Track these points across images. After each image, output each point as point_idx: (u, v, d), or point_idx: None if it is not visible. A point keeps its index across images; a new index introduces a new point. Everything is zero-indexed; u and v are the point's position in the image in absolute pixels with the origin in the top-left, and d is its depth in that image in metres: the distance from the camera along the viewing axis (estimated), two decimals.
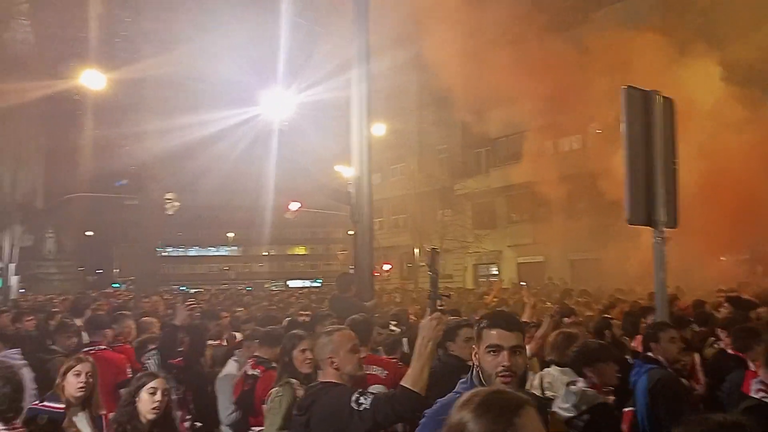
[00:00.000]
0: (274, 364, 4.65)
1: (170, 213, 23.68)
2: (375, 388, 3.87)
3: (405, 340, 7.03)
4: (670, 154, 4.96)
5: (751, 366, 4.84)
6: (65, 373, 3.98)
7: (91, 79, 17.61)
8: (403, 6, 18.26)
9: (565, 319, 7.03)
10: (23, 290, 24.87)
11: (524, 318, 7.14)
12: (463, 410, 1.66)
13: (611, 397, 4.72)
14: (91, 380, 3.97)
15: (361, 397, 2.97)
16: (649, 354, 4.51)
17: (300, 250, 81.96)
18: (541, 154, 26.56)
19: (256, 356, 5.03)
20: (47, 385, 5.67)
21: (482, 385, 2.51)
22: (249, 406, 4.72)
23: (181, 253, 78.33)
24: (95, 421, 3.96)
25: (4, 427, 3.23)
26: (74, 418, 3.89)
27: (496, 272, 31.31)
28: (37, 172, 47.75)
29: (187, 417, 5.17)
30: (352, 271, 9.05)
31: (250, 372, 4.87)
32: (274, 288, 44.21)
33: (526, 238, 28.99)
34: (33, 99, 23.87)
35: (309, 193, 24.68)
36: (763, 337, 4.98)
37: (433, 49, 19.91)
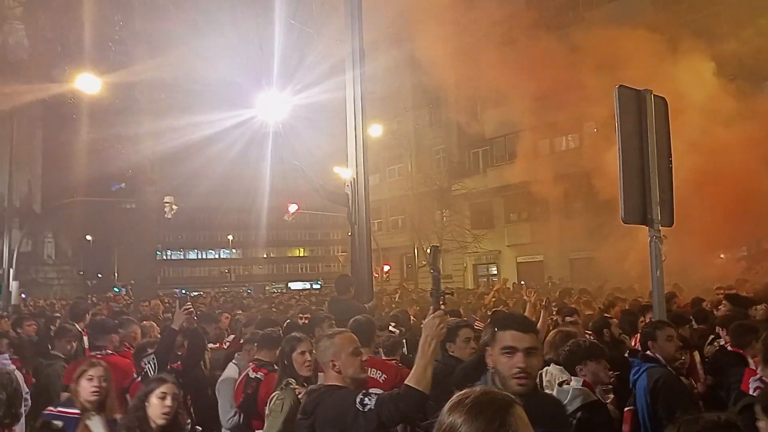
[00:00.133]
0: (276, 367, 4.65)
1: (169, 216, 23.65)
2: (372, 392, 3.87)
3: (404, 341, 7.04)
4: (664, 153, 4.97)
5: (751, 363, 4.85)
6: (78, 378, 3.96)
7: (86, 83, 17.59)
8: (396, 6, 18.28)
9: (567, 318, 7.05)
10: (24, 295, 24.81)
11: None
12: (454, 413, 1.66)
13: (611, 396, 4.74)
14: (104, 384, 3.96)
15: (366, 398, 2.96)
16: (648, 353, 4.52)
17: (300, 252, 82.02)
18: (537, 153, 26.59)
19: (257, 359, 5.03)
20: (48, 390, 5.71)
21: (497, 386, 2.52)
22: (252, 409, 4.70)
23: (180, 257, 78.36)
24: (110, 424, 3.95)
25: None
26: (89, 423, 3.89)
27: (496, 272, 31.36)
28: (34, 176, 47.80)
29: (187, 421, 5.16)
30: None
31: (253, 375, 4.86)
32: (274, 290, 44.30)
33: (525, 238, 29.02)
34: (28, 102, 23.85)
35: (307, 195, 24.68)
36: (761, 332, 4.98)
37: (427, 50, 19.92)
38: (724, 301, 7.72)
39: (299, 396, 3.93)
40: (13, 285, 19.40)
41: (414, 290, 23.46)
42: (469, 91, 24.93)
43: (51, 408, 4.09)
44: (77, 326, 7.40)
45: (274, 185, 24.83)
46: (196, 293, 32.34)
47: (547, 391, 4.35)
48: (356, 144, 8.05)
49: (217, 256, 78.26)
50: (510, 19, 20.13)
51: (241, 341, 6.97)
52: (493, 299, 12.13)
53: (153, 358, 4.95)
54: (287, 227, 60.26)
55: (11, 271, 19.59)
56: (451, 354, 4.82)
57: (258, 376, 4.83)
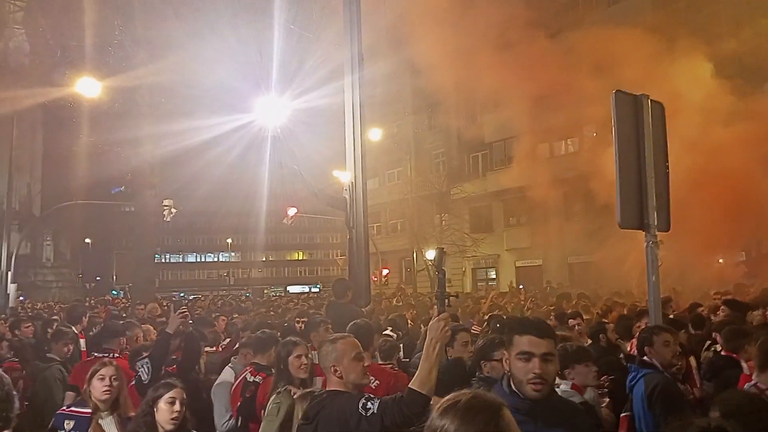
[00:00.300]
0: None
1: (167, 219, 23.67)
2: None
3: (401, 345, 7.04)
4: (660, 158, 4.97)
5: (745, 368, 4.85)
6: (91, 378, 3.99)
7: (87, 87, 17.61)
8: (395, 10, 18.32)
9: (571, 321, 7.10)
10: (21, 298, 24.81)
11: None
12: (445, 417, 1.68)
13: (606, 400, 4.73)
14: (116, 383, 3.99)
15: (368, 402, 2.94)
16: (645, 358, 4.49)
17: (299, 256, 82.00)
18: (537, 157, 26.61)
19: (254, 363, 5.02)
20: (45, 393, 5.71)
21: (513, 391, 2.52)
22: (250, 412, 4.70)
23: (179, 260, 78.34)
24: (124, 423, 3.96)
25: None
26: (101, 422, 3.91)
27: (495, 276, 31.36)
28: (34, 179, 47.80)
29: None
30: None
31: (251, 379, 4.86)
32: (273, 294, 44.27)
33: (524, 242, 29.03)
34: (28, 106, 23.89)
35: (306, 199, 24.69)
36: (753, 336, 4.99)
37: (426, 54, 19.93)
38: (722, 307, 7.72)
39: (294, 396, 3.93)
40: (11, 287, 19.39)
41: (413, 294, 23.47)
42: (468, 94, 25.01)
43: (64, 408, 4.14)
44: (74, 329, 7.41)
45: (273, 189, 24.88)
46: (194, 296, 32.40)
47: None
48: (354, 148, 8.08)
49: (215, 260, 78.22)
50: (509, 23, 20.15)
51: (236, 346, 6.98)
52: (490, 304, 12.13)
53: (147, 362, 4.94)
54: (286, 231, 60.32)
55: (9, 273, 19.58)
56: (449, 357, 4.82)
57: (256, 379, 4.83)
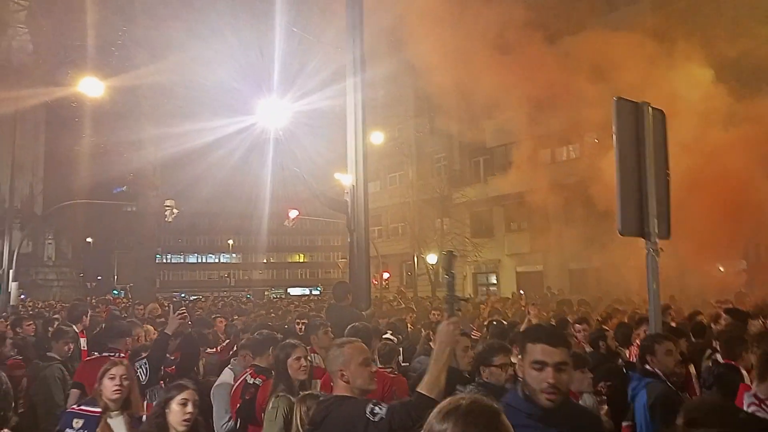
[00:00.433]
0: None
1: (169, 220, 23.70)
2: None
3: (401, 349, 7.03)
4: (661, 165, 4.96)
5: (745, 375, 4.84)
6: (101, 377, 4.00)
7: (89, 87, 17.64)
8: (397, 13, 18.33)
9: (577, 325, 7.15)
10: (23, 296, 24.85)
11: (522, 329, 7.17)
12: (447, 421, 1.69)
13: (605, 407, 4.72)
14: (126, 383, 3.99)
15: (376, 408, 2.90)
16: (647, 367, 4.46)
17: (300, 258, 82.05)
18: (538, 162, 26.60)
19: (255, 365, 5.03)
20: (45, 392, 5.71)
21: (528, 397, 2.52)
22: (250, 414, 4.70)
23: (180, 260, 78.39)
24: (135, 422, 3.97)
25: None
26: (110, 421, 3.91)
27: (495, 281, 31.33)
28: (36, 178, 47.89)
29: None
30: None
31: (251, 381, 4.86)
32: (274, 296, 44.25)
33: (525, 248, 29.00)
34: (31, 106, 23.96)
35: (307, 201, 24.71)
36: (750, 344, 4.98)
37: (428, 57, 19.96)
38: (723, 315, 7.71)
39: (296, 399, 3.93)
40: (13, 286, 19.42)
41: (413, 298, 23.46)
42: (470, 99, 24.98)
43: (74, 406, 4.14)
44: (75, 328, 7.42)
45: (275, 191, 24.90)
46: (194, 297, 32.41)
47: None
48: (356, 151, 8.07)
49: (217, 261, 78.27)
50: (511, 28, 20.17)
51: (234, 348, 6.99)
52: (490, 309, 12.13)
53: (145, 363, 4.95)
54: (287, 233, 60.38)
55: (11, 272, 19.62)
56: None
57: (256, 381, 4.83)
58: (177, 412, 3.59)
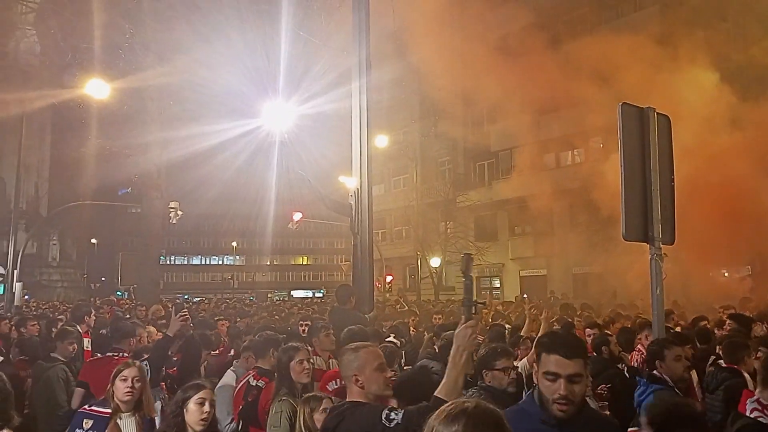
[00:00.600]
0: None
1: (174, 222, 23.75)
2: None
3: (403, 352, 7.03)
4: (666, 171, 4.95)
5: (748, 379, 4.83)
6: (114, 378, 4.00)
7: (96, 89, 17.72)
8: (403, 17, 18.37)
9: (588, 330, 7.15)
10: (27, 297, 24.93)
11: (523, 332, 7.16)
12: (456, 423, 1.70)
13: (606, 413, 4.71)
14: (138, 384, 3.99)
15: (392, 413, 2.84)
16: (655, 372, 4.41)
17: (303, 261, 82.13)
18: (543, 167, 26.59)
19: (258, 367, 5.04)
20: (48, 392, 5.73)
21: (542, 404, 2.51)
22: (252, 416, 4.71)
23: (184, 262, 78.55)
24: (147, 424, 3.98)
25: None
26: (120, 422, 3.91)
27: (499, 285, 31.30)
28: (42, 179, 48.10)
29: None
30: None
31: (254, 383, 4.86)
32: (277, 298, 44.30)
33: (528, 252, 28.99)
34: (38, 108, 24.07)
35: (312, 204, 24.72)
36: (754, 348, 4.97)
37: (434, 61, 19.99)
38: (728, 321, 7.70)
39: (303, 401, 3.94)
40: (17, 286, 19.47)
41: (415, 301, 23.45)
42: (476, 103, 25.02)
43: (85, 407, 4.14)
44: (78, 328, 7.44)
45: (279, 194, 24.92)
46: (198, 299, 32.46)
47: None
48: (361, 154, 8.08)
49: (220, 263, 78.39)
50: (518, 33, 20.20)
51: (232, 351, 7.00)
52: (493, 313, 12.12)
53: (146, 364, 4.97)
54: (291, 235, 60.38)
55: (15, 272, 19.67)
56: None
57: (259, 384, 4.83)
58: (194, 411, 3.60)
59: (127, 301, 25.33)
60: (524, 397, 2.67)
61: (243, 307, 19.69)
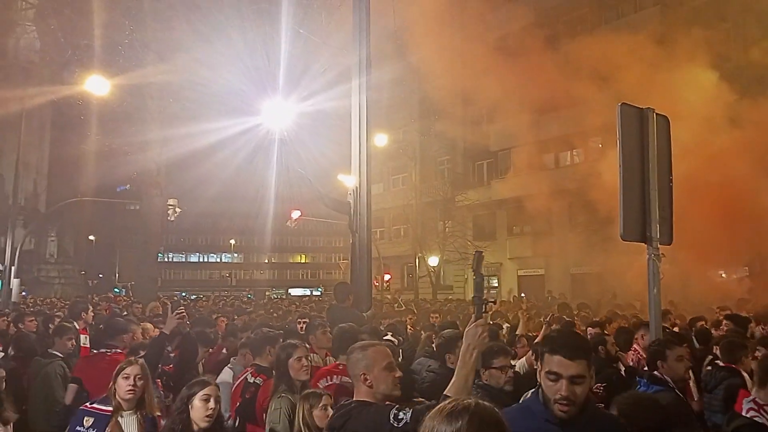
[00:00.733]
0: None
1: (172, 219, 23.77)
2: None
3: (401, 351, 7.03)
4: (664, 171, 4.96)
5: (747, 378, 4.85)
6: (116, 376, 3.99)
7: (96, 85, 17.71)
8: (403, 16, 18.37)
9: (590, 329, 7.17)
10: (24, 293, 24.92)
11: (519, 331, 7.18)
12: (459, 420, 1.69)
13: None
14: (140, 382, 3.97)
15: (400, 413, 2.80)
16: (655, 373, 4.38)
17: (301, 259, 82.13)
18: (542, 167, 26.61)
19: (255, 364, 5.05)
20: (46, 389, 5.73)
21: (545, 402, 2.51)
22: (249, 413, 4.71)
23: (182, 259, 78.51)
24: (148, 422, 3.96)
25: None
26: (120, 421, 3.90)
27: (497, 284, 31.31)
28: (40, 175, 48.08)
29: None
30: None
31: (252, 380, 4.87)
32: (275, 296, 44.31)
33: (527, 251, 29.01)
34: (37, 104, 24.06)
35: (311, 202, 24.71)
36: (751, 348, 4.99)
37: (434, 60, 20.00)
38: (725, 321, 7.72)
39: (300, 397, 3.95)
40: (14, 282, 19.47)
41: (413, 300, 23.47)
42: (475, 103, 25.02)
43: (86, 404, 4.13)
44: (76, 324, 7.44)
45: (279, 192, 24.91)
46: (196, 296, 32.48)
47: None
48: (360, 152, 8.09)
49: (218, 260, 78.35)
50: (518, 33, 20.20)
51: (225, 349, 7.00)
52: (492, 312, 12.10)
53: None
54: (290, 233, 60.38)
55: (13, 268, 19.67)
56: (450, 365, 4.82)
57: (257, 381, 4.84)
58: (199, 408, 3.61)
59: (125, 298, 25.31)
60: (529, 395, 2.68)
61: (241, 304, 19.70)
